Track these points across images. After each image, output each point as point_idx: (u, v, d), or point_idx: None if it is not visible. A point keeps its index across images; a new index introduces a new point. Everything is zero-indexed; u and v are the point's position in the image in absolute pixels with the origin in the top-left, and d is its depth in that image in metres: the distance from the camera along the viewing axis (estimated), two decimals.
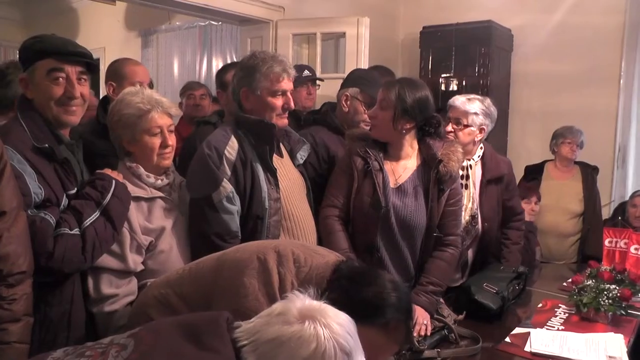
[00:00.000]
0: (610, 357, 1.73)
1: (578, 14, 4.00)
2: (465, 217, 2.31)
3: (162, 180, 1.77)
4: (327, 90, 3.09)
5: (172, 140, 1.76)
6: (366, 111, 2.20)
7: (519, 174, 3.55)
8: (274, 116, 1.88)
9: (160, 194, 1.75)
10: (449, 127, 2.33)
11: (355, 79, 2.34)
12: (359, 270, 1.30)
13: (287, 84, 1.88)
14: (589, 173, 3.38)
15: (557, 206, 3.23)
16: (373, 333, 1.18)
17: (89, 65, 1.62)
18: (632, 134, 3.93)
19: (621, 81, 3.92)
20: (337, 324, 0.96)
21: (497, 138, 4.20)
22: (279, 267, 1.30)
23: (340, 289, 1.21)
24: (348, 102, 2.29)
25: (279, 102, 1.86)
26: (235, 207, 1.80)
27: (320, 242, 1.96)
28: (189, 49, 5.26)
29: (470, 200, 2.36)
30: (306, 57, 3.88)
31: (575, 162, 3.40)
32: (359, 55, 3.49)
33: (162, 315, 1.34)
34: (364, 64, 3.46)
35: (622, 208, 3.54)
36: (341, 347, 0.93)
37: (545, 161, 3.49)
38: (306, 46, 3.93)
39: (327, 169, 2.18)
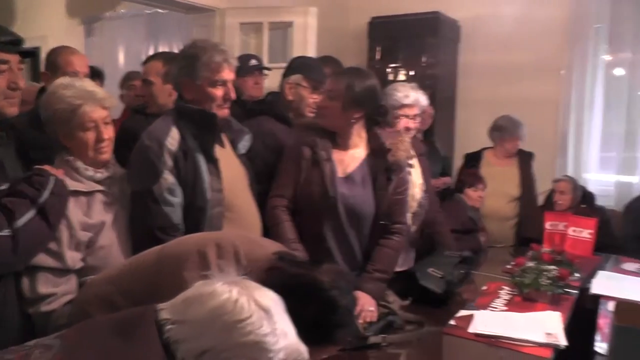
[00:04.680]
0: (548, 333, 1.80)
1: (524, 7, 4.11)
2: (413, 204, 2.35)
3: (101, 173, 1.71)
4: (276, 80, 3.08)
5: (108, 133, 1.70)
6: (312, 96, 2.20)
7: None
8: (214, 106, 1.84)
9: (100, 188, 1.70)
10: (410, 124, 2.36)
11: (296, 66, 2.33)
12: (295, 277, 1.26)
13: (228, 74, 1.85)
14: (525, 159, 3.50)
15: (497, 191, 3.32)
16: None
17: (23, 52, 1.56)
18: (571, 123, 4.08)
19: (563, 72, 4.06)
20: (258, 289, 0.94)
21: (445, 126, 4.30)
22: (219, 260, 1.29)
23: (278, 285, 1.21)
24: (292, 90, 2.28)
25: (219, 92, 1.83)
26: (177, 200, 1.77)
27: (266, 232, 1.95)
28: (135, 38, 5.11)
29: (416, 187, 2.40)
30: (254, 47, 3.85)
31: None
32: (306, 45, 3.49)
33: (103, 313, 1.30)
34: (312, 54, 3.46)
35: (551, 194, 3.71)
36: (258, 302, 0.90)
37: (483, 149, 3.58)
38: (254, 35, 3.90)
39: (274, 159, 2.17)
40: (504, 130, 3.45)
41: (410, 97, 2.38)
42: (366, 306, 1.80)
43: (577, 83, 4.04)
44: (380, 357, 1.68)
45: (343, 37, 4.58)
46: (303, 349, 0.95)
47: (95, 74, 3.21)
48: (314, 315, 1.16)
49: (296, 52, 3.49)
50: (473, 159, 3.56)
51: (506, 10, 4.17)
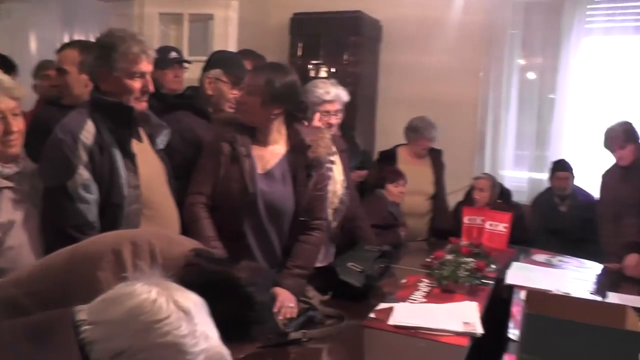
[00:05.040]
0: (465, 322, 1.85)
1: (445, 11, 4.25)
2: (334, 200, 2.35)
3: (10, 168, 1.60)
4: (196, 73, 3.00)
5: (17, 125, 1.59)
6: (231, 92, 2.16)
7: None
8: (132, 99, 1.76)
9: (9, 184, 1.59)
10: (332, 120, 2.36)
11: (216, 60, 2.28)
12: (212, 274, 1.23)
13: (146, 66, 1.77)
14: (437, 156, 3.61)
15: (414, 189, 3.39)
16: None
17: None
18: (488, 122, 4.28)
19: (481, 74, 4.25)
20: (179, 290, 0.90)
21: (366, 124, 4.36)
22: (135, 259, 1.22)
23: (194, 282, 1.17)
24: (212, 85, 2.22)
25: (137, 84, 1.75)
26: (93, 196, 1.67)
27: (185, 230, 1.88)
28: (48, 24, 4.76)
29: (338, 184, 2.40)
30: (173, 39, 3.73)
31: None
32: (227, 39, 3.42)
33: (10, 317, 1.20)
34: (233, 48, 3.40)
35: (470, 190, 3.86)
36: (177, 303, 0.87)
37: (397, 146, 3.65)
38: (174, 27, 3.78)
39: (193, 155, 2.10)
40: (417, 130, 3.53)
41: (331, 93, 2.38)
42: (286, 302, 1.77)
43: (494, 85, 4.24)
44: (301, 353, 1.65)
45: (265, 32, 4.54)
46: (226, 352, 0.92)
47: (8, 67, 2.96)
48: (231, 312, 1.12)
49: (217, 46, 3.41)
50: (388, 157, 3.62)
51: (427, 12, 4.29)
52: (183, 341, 0.85)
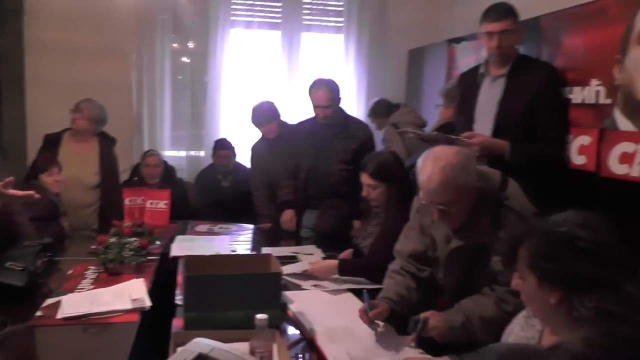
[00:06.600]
0: (133, 299, 1.96)
1: None
2: None
3: None
4: None
5: None
6: None
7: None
8: None
9: None
10: None
11: None
12: None
13: None
14: (106, 143, 3.55)
15: (77, 176, 3.28)
16: None
17: None
18: (145, 105, 4.38)
19: (134, 57, 4.27)
20: None
21: (15, 106, 3.95)
22: None
23: None
24: None
25: None
26: None
27: None
28: None
29: None
30: None
31: (95, 134, 3.50)
32: None
33: None
34: None
35: (137, 169, 3.97)
36: None
37: (65, 130, 3.48)
38: None
39: None
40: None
41: None
42: None
43: (147, 68, 4.34)
44: None
45: None
46: None
47: None
48: None
49: None
50: (53, 142, 3.41)
51: None
52: None
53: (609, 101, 2.30)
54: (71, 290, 2.07)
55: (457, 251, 1.79)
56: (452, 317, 1.71)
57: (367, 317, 1.78)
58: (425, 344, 1.69)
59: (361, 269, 2.34)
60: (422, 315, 1.71)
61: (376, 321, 1.79)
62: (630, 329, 1.03)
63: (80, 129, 3.40)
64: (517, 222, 1.64)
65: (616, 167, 2.25)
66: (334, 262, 2.36)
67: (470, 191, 1.71)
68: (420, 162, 1.75)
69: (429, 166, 1.70)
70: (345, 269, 2.33)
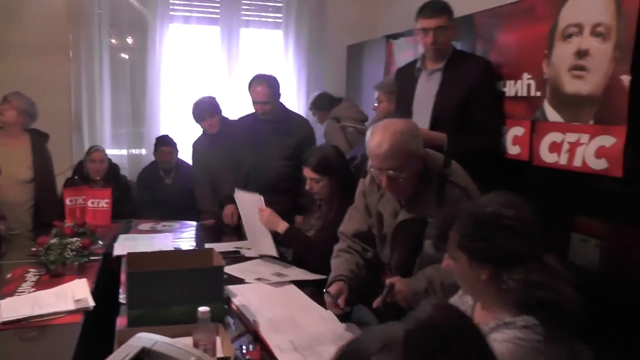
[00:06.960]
0: (76, 300, 1.96)
1: None
2: None
3: None
4: None
5: None
6: None
7: None
8: None
9: None
10: None
11: None
12: None
13: None
14: (38, 140, 3.40)
15: (9, 171, 3.12)
16: None
17: None
18: (84, 102, 4.28)
19: (71, 53, 4.17)
20: None
21: None
22: None
23: None
24: None
25: None
26: None
27: None
28: None
29: None
30: None
31: (27, 130, 3.38)
32: None
33: None
34: None
35: (80, 166, 3.87)
36: None
37: None
38: None
39: None
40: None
41: None
42: None
43: (85, 65, 4.25)
44: None
45: None
46: None
47: None
48: None
49: None
50: None
51: None
52: None
53: (539, 94, 2.43)
54: (10, 294, 2.03)
55: (404, 225, 1.89)
56: (416, 282, 1.81)
57: (339, 307, 1.86)
58: (388, 309, 1.77)
59: (308, 243, 2.45)
60: (388, 280, 1.81)
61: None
62: (547, 293, 1.16)
63: (9, 121, 3.26)
64: (460, 197, 1.76)
65: (547, 156, 2.37)
66: (284, 223, 2.46)
67: (418, 159, 1.81)
68: (368, 133, 1.84)
69: (379, 134, 1.78)
70: (290, 234, 2.45)
